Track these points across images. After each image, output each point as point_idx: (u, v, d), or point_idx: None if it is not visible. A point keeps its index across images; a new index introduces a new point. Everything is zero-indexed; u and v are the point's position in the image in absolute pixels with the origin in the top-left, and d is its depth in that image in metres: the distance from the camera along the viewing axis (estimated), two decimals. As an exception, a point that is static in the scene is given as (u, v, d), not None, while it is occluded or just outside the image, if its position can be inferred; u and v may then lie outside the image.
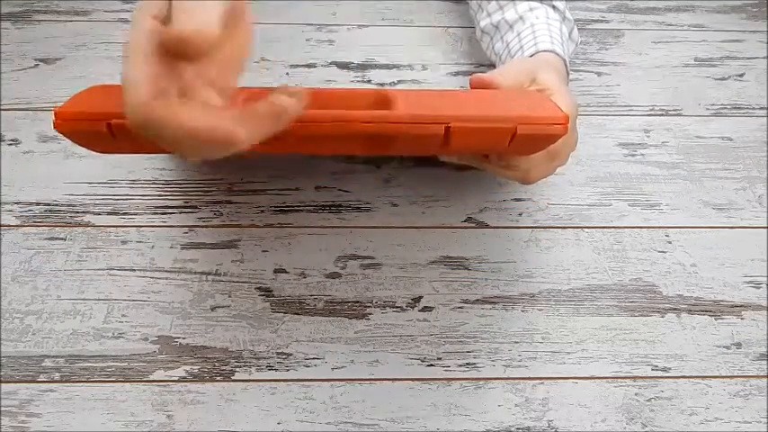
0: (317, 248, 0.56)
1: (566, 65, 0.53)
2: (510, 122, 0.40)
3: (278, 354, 0.52)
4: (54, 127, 0.38)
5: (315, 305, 0.54)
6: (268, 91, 0.43)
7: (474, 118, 0.40)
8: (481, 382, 0.52)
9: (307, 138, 0.41)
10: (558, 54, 0.52)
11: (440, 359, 0.52)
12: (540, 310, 0.55)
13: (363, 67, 0.67)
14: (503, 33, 0.58)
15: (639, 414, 0.51)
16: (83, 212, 0.56)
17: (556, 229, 0.59)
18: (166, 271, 0.54)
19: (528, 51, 0.53)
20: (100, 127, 0.38)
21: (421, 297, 0.55)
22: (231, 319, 0.53)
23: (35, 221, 0.56)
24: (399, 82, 0.66)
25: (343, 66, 0.67)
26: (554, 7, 0.57)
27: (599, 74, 0.69)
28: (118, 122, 0.38)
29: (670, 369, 0.53)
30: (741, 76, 0.69)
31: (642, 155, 0.63)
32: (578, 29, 0.65)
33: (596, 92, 0.68)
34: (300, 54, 0.67)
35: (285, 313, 0.53)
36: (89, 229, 0.56)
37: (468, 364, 0.52)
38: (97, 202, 0.57)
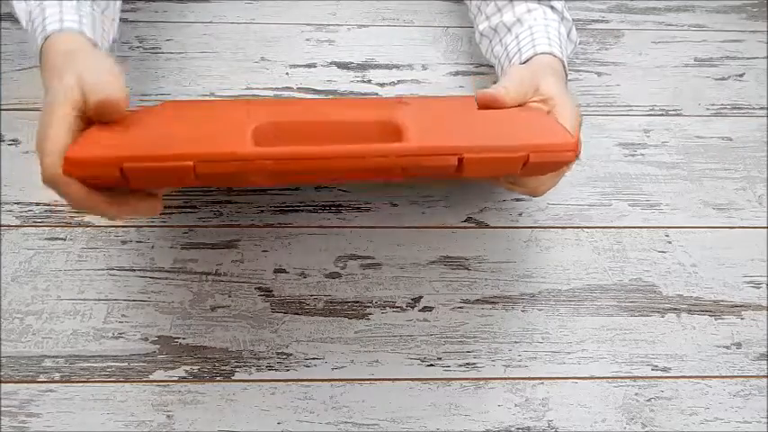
0: (317, 248, 0.56)
1: (564, 66, 0.53)
2: (523, 151, 0.40)
3: (278, 354, 0.52)
4: (62, 172, 0.38)
5: (315, 305, 0.54)
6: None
7: (487, 148, 0.40)
8: (481, 382, 0.52)
9: (320, 172, 0.41)
10: (555, 55, 0.52)
11: (440, 359, 0.52)
12: (540, 310, 0.55)
13: (363, 67, 0.67)
14: (501, 36, 0.58)
15: (639, 414, 0.51)
16: (83, 212, 0.56)
17: (556, 229, 0.59)
18: (166, 271, 0.54)
19: (526, 54, 0.53)
20: (113, 171, 0.37)
21: (421, 297, 0.55)
22: (231, 319, 0.53)
23: (35, 221, 0.56)
24: (399, 82, 0.66)
25: (343, 66, 0.67)
26: (552, 8, 0.57)
27: (599, 74, 0.69)
28: (131, 166, 0.37)
29: (670, 369, 0.53)
30: (741, 76, 0.69)
31: (642, 155, 0.63)
32: (578, 29, 0.65)
33: (596, 92, 0.68)
34: (300, 54, 0.67)
35: (285, 313, 0.53)
36: (89, 229, 0.56)
37: (468, 364, 0.52)
38: (97, 202, 0.57)
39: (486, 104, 0.47)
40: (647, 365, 0.53)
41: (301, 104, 0.53)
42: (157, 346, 0.51)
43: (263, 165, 0.38)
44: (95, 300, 0.53)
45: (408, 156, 0.39)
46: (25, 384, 0.50)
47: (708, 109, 0.67)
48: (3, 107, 0.62)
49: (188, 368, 0.51)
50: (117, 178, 0.37)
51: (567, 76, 0.54)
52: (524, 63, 0.53)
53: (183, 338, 0.52)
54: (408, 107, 0.48)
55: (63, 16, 0.47)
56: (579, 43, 0.69)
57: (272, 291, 0.54)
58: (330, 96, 0.65)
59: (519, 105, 0.48)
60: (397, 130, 0.41)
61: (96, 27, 0.50)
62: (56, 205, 0.57)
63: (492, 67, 0.62)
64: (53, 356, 0.51)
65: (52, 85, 0.43)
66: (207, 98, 0.64)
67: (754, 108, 0.67)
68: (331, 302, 0.54)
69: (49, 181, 0.40)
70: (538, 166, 0.42)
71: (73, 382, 0.50)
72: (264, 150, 0.38)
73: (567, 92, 0.49)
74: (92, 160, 0.37)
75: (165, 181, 0.40)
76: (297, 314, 0.53)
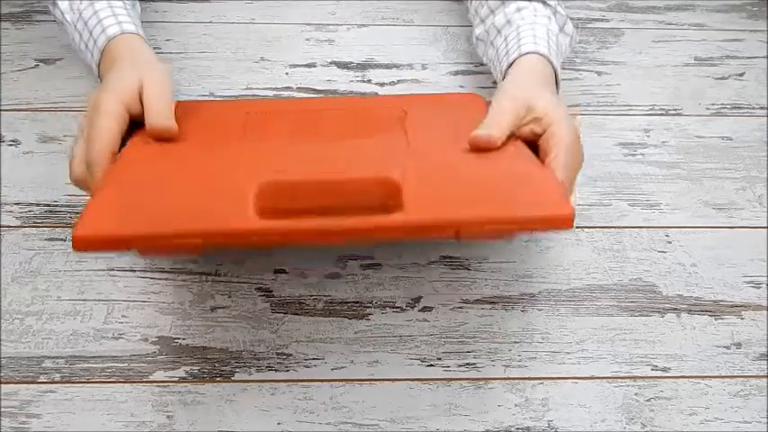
0: (317, 248, 0.56)
1: (552, 63, 0.53)
2: (519, 223, 0.41)
3: (278, 354, 0.52)
4: (73, 249, 0.39)
5: (315, 305, 0.54)
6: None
7: (484, 221, 0.41)
8: (481, 382, 0.52)
9: (321, 241, 0.45)
10: (541, 53, 0.53)
11: (440, 359, 0.52)
12: (539, 310, 0.55)
13: (363, 66, 0.67)
14: (492, 39, 0.59)
15: (639, 414, 0.51)
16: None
17: (556, 229, 0.59)
18: (166, 272, 0.54)
19: (513, 55, 0.54)
20: (121, 248, 0.41)
21: (421, 297, 0.55)
22: (231, 320, 0.53)
23: (35, 222, 0.56)
24: (399, 82, 0.66)
25: (343, 65, 0.67)
26: (544, 3, 0.57)
27: (599, 73, 0.69)
28: (139, 245, 0.39)
29: (670, 369, 0.53)
30: (741, 75, 0.69)
31: (642, 155, 0.63)
32: (578, 28, 0.65)
33: (596, 91, 0.68)
34: (300, 54, 0.67)
35: (285, 313, 0.53)
36: (89, 229, 0.56)
37: (467, 364, 0.52)
38: (97, 202, 0.57)
39: (479, 149, 0.47)
40: (647, 365, 0.53)
41: (300, 129, 0.54)
42: (157, 346, 0.51)
43: (268, 238, 0.41)
44: (95, 300, 0.53)
45: (405, 227, 0.41)
46: (25, 385, 0.50)
47: (708, 109, 0.67)
48: (3, 107, 0.62)
49: (188, 368, 0.51)
50: (126, 251, 0.41)
51: (557, 75, 0.54)
52: (512, 65, 0.54)
53: (183, 339, 0.52)
54: (409, 148, 0.49)
55: (119, 19, 0.53)
56: (579, 42, 0.69)
57: (272, 291, 0.54)
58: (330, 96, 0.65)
59: (513, 135, 0.48)
60: (396, 191, 0.42)
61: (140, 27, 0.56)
62: (56, 205, 0.57)
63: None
64: (53, 357, 0.51)
65: (108, 75, 0.49)
66: (207, 98, 0.64)
67: (754, 108, 0.67)
68: (331, 302, 0.54)
69: (89, 165, 0.45)
70: (534, 230, 0.46)
71: (73, 382, 0.50)
72: (267, 225, 0.40)
73: (559, 104, 0.49)
74: (100, 239, 0.39)
75: (172, 252, 0.48)
76: (297, 314, 0.53)
